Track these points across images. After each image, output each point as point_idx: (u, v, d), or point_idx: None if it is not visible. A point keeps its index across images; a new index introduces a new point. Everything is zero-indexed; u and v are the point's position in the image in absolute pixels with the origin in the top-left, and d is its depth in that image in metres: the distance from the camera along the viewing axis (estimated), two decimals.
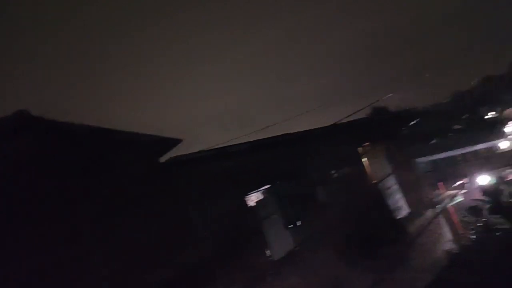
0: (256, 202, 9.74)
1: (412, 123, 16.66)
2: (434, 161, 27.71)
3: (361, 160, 12.07)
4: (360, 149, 12.37)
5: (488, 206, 4.62)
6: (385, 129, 13.89)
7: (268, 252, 8.53)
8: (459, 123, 33.43)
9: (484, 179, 17.30)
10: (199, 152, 8.07)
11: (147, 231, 6.56)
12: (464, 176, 20.39)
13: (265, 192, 9.89)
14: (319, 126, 11.54)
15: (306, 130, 10.93)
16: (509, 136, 25.33)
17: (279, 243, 8.91)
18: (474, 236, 8.60)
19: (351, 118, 13.59)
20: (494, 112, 34.31)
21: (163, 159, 7.43)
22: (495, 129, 27.40)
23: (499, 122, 29.47)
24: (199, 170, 7.88)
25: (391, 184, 12.49)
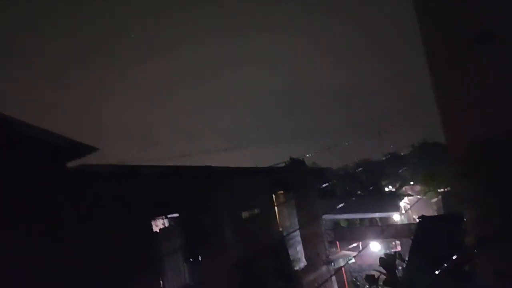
0: (161, 229, 9.40)
1: (325, 182, 17.75)
2: (335, 221, 29.41)
3: (273, 207, 12.40)
4: (273, 196, 12.75)
5: (384, 278, 5.05)
6: (300, 182, 14.54)
7: (161, 282, 8.17)
8: (363, 190, 36.26)
9: (375, 246, 18.74)
10: (111, 165, 7.66)
11: (23, 241, 5.91)
12: (359, 239, 21.89)
13: (171, 220, 9.61)
14: (238, 166, 11.75)
15: (226, 167, 11.03)
16: (402, 210, 28.03)
17: (175, 274, 8.60)
18: None
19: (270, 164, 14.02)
20: (394, 187, 37.99)
21: (72, 164, 6.92)
22: (392, 202, 30.16)
23: (397, 197, 32.54)
24: (107, 184, 7.45)
25: (295, 235, 12.93)
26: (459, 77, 6.23)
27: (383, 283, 5.32)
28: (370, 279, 5.31)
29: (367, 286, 10.59)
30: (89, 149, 6.78)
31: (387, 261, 5.39)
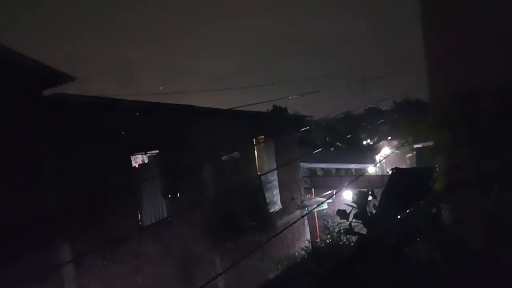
0: (140, 164, 9.43)
1: (305, 128, 17.92)
2: (312, 169, 30.22)
3: (253, 150, 12.54)
4: (254, 140, 12.84)
5: (355, 212, 5.34)
6: (281, 128, 14.63)
7: (139, 216, 8.34)
8: (342, 142, 36.95)
9: (348, 194, 19.44)
10: (90, 97, 7.44)
11: None
12: (333, 188, 22.65)
13: (151, 156, 9.62)
14: (220, 108, 11.67)
15: (208, 107, 10.92)
16: (377, 163, 28.92)
17: (152, 209, 8.78)
18: (330, 240, 9.77)
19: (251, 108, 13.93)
20: (372, 141, 38.84)
21: (48, 92, 6.70)
22: (369, 155, 30.99)
23: (374, 150, 33.38)
24: (85, 115, 7.29)
25: (272, 179, 13.23)
26: (451, 29, 6.13)
27: (353, 216, 5.59)
28: (342, 213, 5.57)
29: (336, 229, 11.12)
30: (65, 77, 6.53)
31: (359, 197, 5.64)
